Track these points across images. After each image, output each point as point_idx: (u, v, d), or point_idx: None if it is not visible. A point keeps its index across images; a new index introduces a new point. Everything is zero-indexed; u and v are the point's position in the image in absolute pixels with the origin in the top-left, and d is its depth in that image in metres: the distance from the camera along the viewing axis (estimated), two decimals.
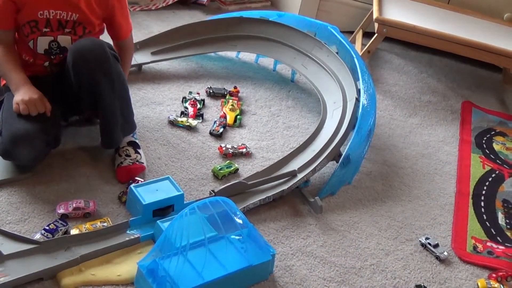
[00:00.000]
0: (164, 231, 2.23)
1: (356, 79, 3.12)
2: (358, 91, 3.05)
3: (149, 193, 2.46)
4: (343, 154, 2.80)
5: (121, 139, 2.76)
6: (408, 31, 3.67)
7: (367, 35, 4.06)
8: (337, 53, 3.31)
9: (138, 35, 3.56)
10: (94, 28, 2.73)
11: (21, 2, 2.64)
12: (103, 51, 2.57)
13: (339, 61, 3.25)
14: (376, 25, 3.68)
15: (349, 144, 2.83)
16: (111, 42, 2.84)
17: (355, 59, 3.20)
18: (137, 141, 2.83)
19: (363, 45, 3.93)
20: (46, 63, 2.74)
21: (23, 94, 2.53)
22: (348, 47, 3.30)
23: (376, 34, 3.68)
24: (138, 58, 3.43)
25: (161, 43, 3.55)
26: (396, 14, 3.78)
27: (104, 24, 2.83)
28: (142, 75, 3.46)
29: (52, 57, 2.72)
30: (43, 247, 2.26)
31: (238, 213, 2.35)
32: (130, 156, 2.72)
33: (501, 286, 2.49)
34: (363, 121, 2.90)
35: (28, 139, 2.51)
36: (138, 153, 2.77)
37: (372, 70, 3.81)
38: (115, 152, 2.77)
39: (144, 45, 3.50)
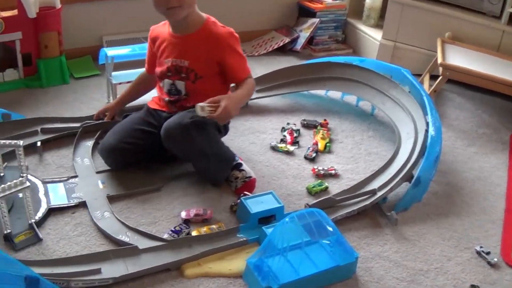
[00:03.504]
0: (268, 235, 2.26)
1: (425, 114, 3.10)
2: (427, 124, 3.02)
3: (255, 204, 2.49)
4: (415, 176, 2.77)
5: (224, 177, 2.77)
6: (466, 74, 3.63)
7: (433, 77, 4.02)
8: (409, 92, 3.29)
9: None
10: (205, 74, 2.70)
11: (157, 52, 2.79)
12: (187, 132, 2.54)
13: (411, 99, 3.23)
14: (440, 69, 3.65)
15: (419, 168, 2.80)
16: None
17: (424, 97, 3.18)
18: (238, 161, 2.82)
19: (430, 85, 3.89)
20: (166, 99, 2.81)
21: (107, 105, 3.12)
22: (418, 87, 3.28)
23: (440, 77, 3.64)
24: None
25: (264, 83, 3.58)
26: (456, 60, 3.74)
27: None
28: (249, 109, 3.51)
29: (171, 96, 2.78)
30: (170, 245, 2.33)
31: (329, 222, 2.36)
32: (238, 177, 2.74)
33: None
34: (431, 149, 2.87)
35: (108, 151, 2.73)
36: (243, 170, 2.77)
37: (438, 107, 3.76)
38: (226, 179, 2.79)
39: None
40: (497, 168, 3.29)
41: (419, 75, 4.14)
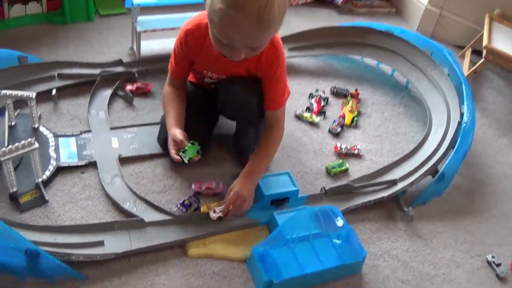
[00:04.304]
0: (279, 226, 2.26)
1: (461, 103, 3.00)
2: (462, 115, 2.93)
3: (270, 185, 2.46)
4: (440, 171, 2.70)
5: (248, 152, 2.64)
6: (511, 62, 3.55)
7: (475, 52, 3.93)
8: (448, 75, 3.19)
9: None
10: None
11: (193, 60, 2.57)
12: (249, 105, 2.50)
13: (448, 83, 3.13)
14: (484, 51, 3.55)
15: (446, 162, 2.72)
16: None
17: (463, 85, 3.06)
18: None
19: (471, 61, 3.80)
20: (212, 86, 2.68)
21: (171, 136, 2.42)
22: (458, 72, 3.17)
23: (483, 59, 3.55)
24: None
25: (297, 41, 3.50)
26: (503, 43, 3.62)
27: None
28: None
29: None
30: (177, 220, 2.31)
31: (339, 217, 2.35)
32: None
33: None
34: (462, 143, 2.78)
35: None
36: None
37: (474, 87, 3.65)
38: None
39: (284, 40, 3.21)
40: None
41: (462, 48, 4.03)
